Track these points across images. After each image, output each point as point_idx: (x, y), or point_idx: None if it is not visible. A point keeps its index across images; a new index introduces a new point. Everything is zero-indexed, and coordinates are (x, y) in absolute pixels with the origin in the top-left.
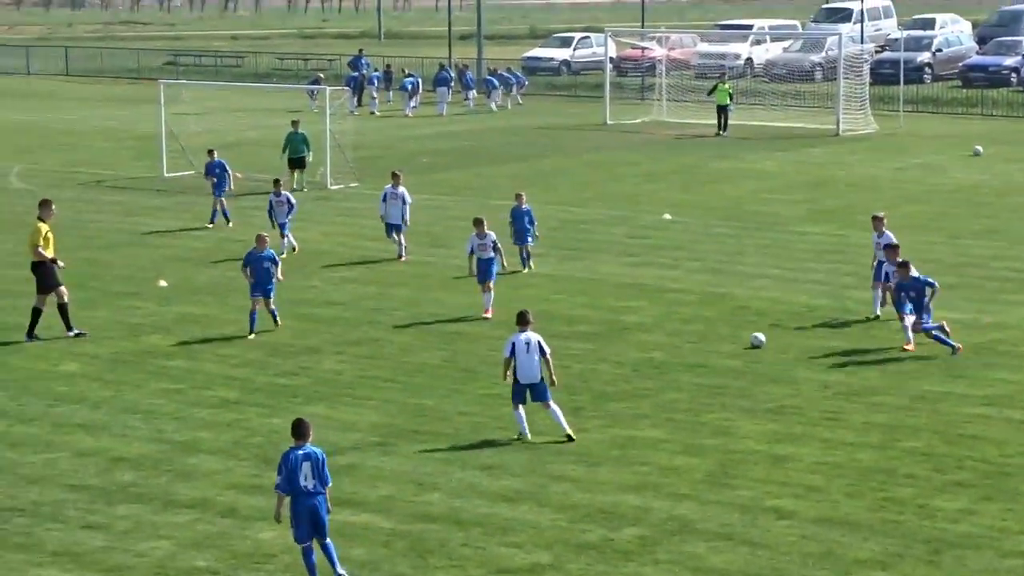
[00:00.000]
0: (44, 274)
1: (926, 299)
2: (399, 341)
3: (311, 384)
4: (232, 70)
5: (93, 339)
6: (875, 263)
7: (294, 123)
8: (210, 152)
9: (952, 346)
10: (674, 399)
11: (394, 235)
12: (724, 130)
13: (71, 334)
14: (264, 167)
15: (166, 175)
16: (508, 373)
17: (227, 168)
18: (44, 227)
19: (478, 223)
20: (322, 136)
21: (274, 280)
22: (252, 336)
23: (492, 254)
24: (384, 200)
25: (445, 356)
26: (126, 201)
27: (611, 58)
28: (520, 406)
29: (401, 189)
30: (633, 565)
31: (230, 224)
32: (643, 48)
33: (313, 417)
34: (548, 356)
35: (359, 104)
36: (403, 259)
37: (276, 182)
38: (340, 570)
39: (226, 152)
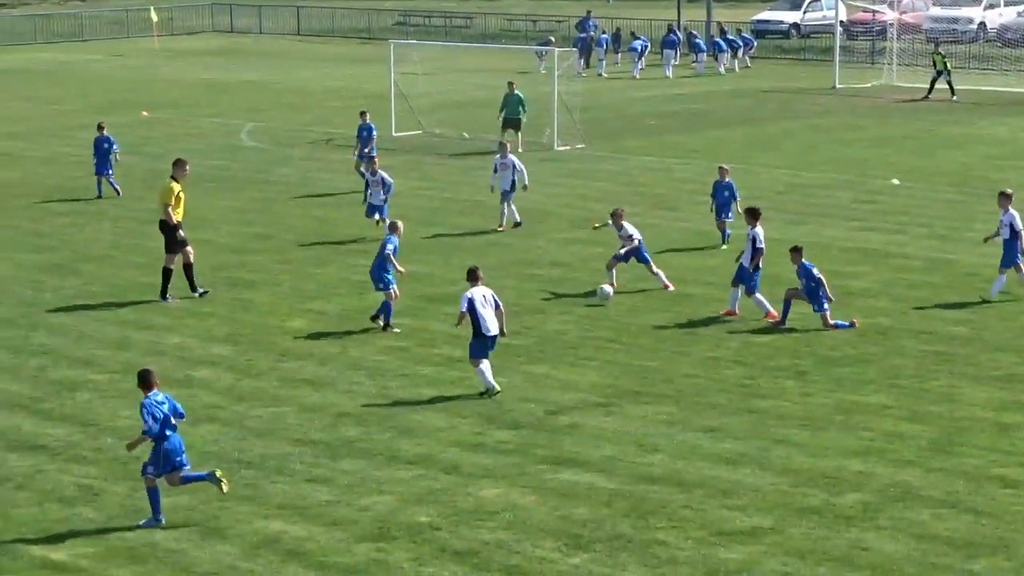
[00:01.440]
0: (171, 234)
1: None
2: (623, 302)
3: (535, 344)
4: (461, 31)
5: (321, 296)
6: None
7: (510, 84)
8: (362, 114)
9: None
10: (899, 365)
11: (504, 204)
12: (952, 95)
13: (196, 295)
14: (491, 128)
15: (394, 135)
16: (467, 325)
17: (374, 132)
18: (176, 187)
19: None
20: (550, 97)
21: (392, 272)
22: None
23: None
24: (495, 171)
25: (669, 318)
26: (355, 160)
27: (841, 21)
28: (483, 360)
29: (510, 158)
30: (855, 531)
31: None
32: (874, 11)
33: (535, 377)
34: (502, 309)
35: (587, 66)
36: (501, 228)
37: (371, 159)
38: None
39: (454, 112)
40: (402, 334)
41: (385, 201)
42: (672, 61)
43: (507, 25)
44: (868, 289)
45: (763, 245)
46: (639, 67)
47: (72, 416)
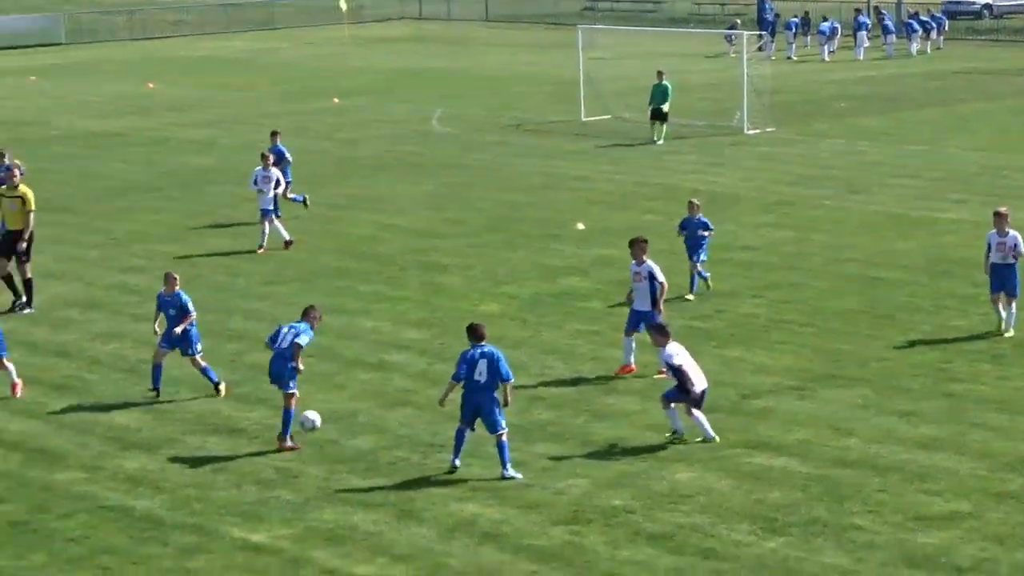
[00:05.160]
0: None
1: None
2: (816, 286)
3: (726, 327)
4: (649, 15)
5: (512, 280)
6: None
7: (659, 73)
8: (273, 135)
9: None
10: None
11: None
12: None
13: (14, 304)
14: (682, 112)
15: (583, 119)
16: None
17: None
18: None
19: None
20: (740, 81)
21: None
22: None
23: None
24: (255, 182)
25: (862, 302)
26: (544, 145)
27: None
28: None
29: (272, 171)
30: None
31: None
32: None
33: (728, 360)
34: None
35: (759, 49)
36: (261, 250)
37: (263, 156)
38: (509, 471)
39: (643, 97)
40: (594, 317)
41: (280, 195)
42: (864, 43)
43: (695, 9)
44: None
45: (663, 279)
46: (829, 50)
47: (268, 400)
